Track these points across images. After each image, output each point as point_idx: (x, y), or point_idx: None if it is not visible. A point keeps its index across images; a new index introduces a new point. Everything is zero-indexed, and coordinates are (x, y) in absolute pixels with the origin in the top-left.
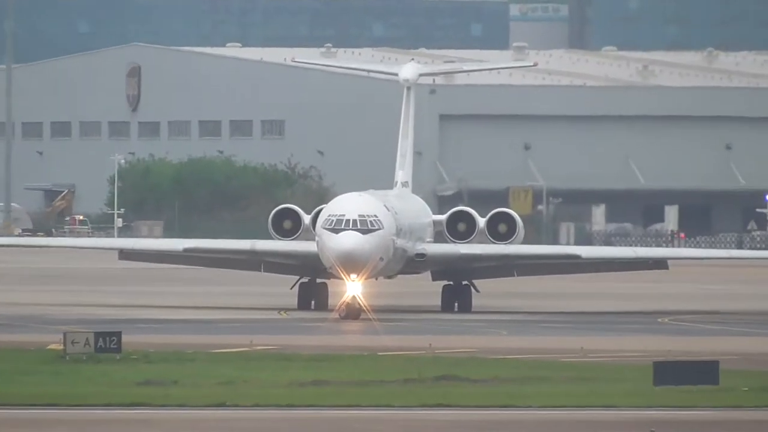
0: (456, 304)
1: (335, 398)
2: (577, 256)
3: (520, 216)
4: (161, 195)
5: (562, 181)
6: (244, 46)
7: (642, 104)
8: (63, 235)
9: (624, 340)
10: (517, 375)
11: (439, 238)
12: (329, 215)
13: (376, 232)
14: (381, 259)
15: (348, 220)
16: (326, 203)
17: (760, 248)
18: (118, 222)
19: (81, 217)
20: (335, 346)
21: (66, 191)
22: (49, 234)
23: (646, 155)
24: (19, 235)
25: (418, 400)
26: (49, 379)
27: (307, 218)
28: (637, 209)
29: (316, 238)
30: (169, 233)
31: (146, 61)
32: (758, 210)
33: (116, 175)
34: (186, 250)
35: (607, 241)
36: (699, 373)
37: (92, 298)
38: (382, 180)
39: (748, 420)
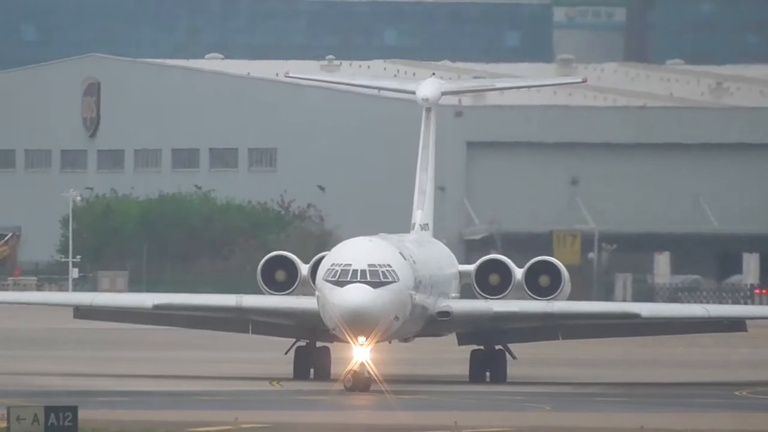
0: (487, 374)
1: None
2: (636, 315)
3: (565, 266)
4: (125, 239)
5: (618, 224)
6: (226, 57)
7: (715, 129)
8: (5, 288)
9: (693, 417)
10: None
11: (466, 292)
12: (332, 265)
13: (390, 286)
14: (396, 318)
15: (355, 271)
16: (328, 250)
17: None
18: (74, 272)
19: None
20: (339, 424)
21: (9, 235)
22: None
23: (721, 192)
24: None
25: None
26: None
27: (304, 268)
28: (710, 258)
29: (316, 293)
30: (135, 286)
31: (107, 75)
32: None
33: (71, 215)
34: (156, 306)
35: (673, 296)
36: None
37: (42, 365)
38: (397, 222)
39: None
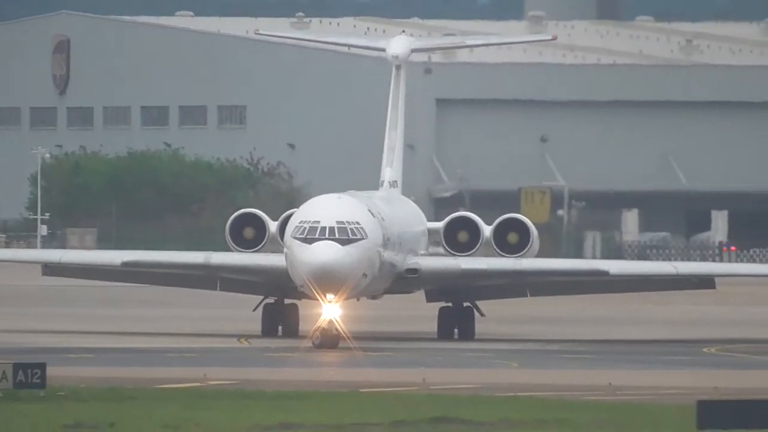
0: (456, 331)
1: None
2: (605, 273)
3: (534, 223)
4: (95, 197)
5: (587, 182)
6: (197, 15)
7: (685, 87)
8: None
9: (661, 374)
10: (531, 417)
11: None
12: (301, 222)
13: (359, 243)
14: (364, 275)
15: (324, 228)
16: (297, 207)
17: None
18: (42, 230)
19: None
20: (307, 381)
21: None
22: None
23: (690, 150)
24: None
25: None
26: None
27: (273, 225)
28: (678, 216)
29: (285, 250)
30: (104, 243)
31: (77, 33)
32: None
33: (39, 173)
34: (125, 264)
35: (642, 254)
36: (753, 416)
37: (10, 323)
38: (366, 179)
39: None
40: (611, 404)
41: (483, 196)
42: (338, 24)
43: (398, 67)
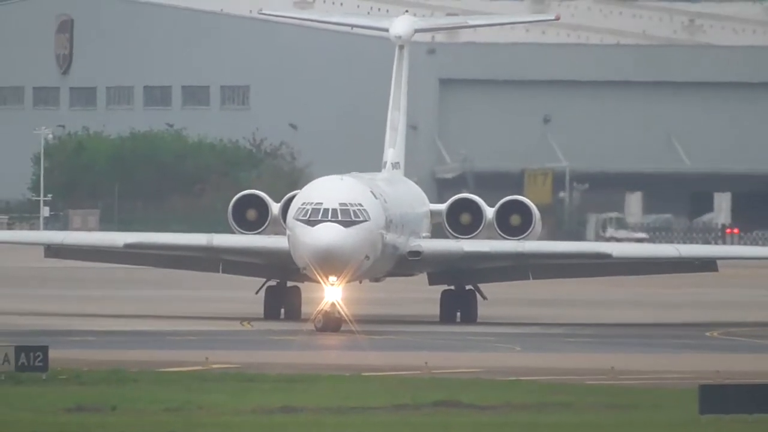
0: (458, 314)
1: (309, 428)
2: (608, 255)
3: (537, 205)
4: (97, 177)
5: (590, 163)
6: None
7: (688, 68)
8: None
9: (663, 358)
10: (533, 401)
11: (438, 232)
12: (303, 203)
13: (361, 225)
14: (366, 257)
15: (326, 210)
16: (299, 188)
17: None
18: (45, 211)
19: None
20: (310, 365)
21: None
22: None
23: (693, 131)
24: None
25: (411, 430)
26: None
27: (275, 207)
28: (682, 197)
29: (287, 232)
30: (106, 225)
31: (80, 12)
32: None
33: (42, 153)
34: (127, 245)
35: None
36: (755, 400)
37: (12, 304)
38: (369, 160)
39: None
40: (613, 388)
41: (486, 177)
42: (341, 3)
43: (401, 47)
